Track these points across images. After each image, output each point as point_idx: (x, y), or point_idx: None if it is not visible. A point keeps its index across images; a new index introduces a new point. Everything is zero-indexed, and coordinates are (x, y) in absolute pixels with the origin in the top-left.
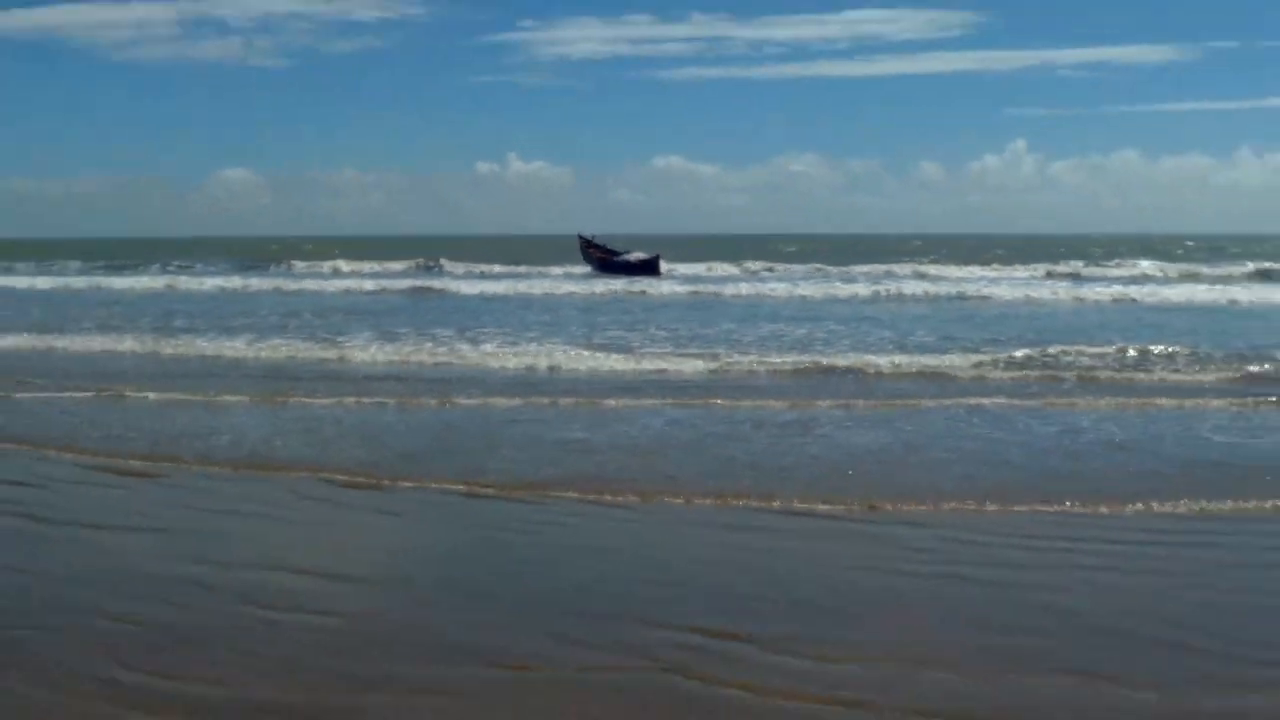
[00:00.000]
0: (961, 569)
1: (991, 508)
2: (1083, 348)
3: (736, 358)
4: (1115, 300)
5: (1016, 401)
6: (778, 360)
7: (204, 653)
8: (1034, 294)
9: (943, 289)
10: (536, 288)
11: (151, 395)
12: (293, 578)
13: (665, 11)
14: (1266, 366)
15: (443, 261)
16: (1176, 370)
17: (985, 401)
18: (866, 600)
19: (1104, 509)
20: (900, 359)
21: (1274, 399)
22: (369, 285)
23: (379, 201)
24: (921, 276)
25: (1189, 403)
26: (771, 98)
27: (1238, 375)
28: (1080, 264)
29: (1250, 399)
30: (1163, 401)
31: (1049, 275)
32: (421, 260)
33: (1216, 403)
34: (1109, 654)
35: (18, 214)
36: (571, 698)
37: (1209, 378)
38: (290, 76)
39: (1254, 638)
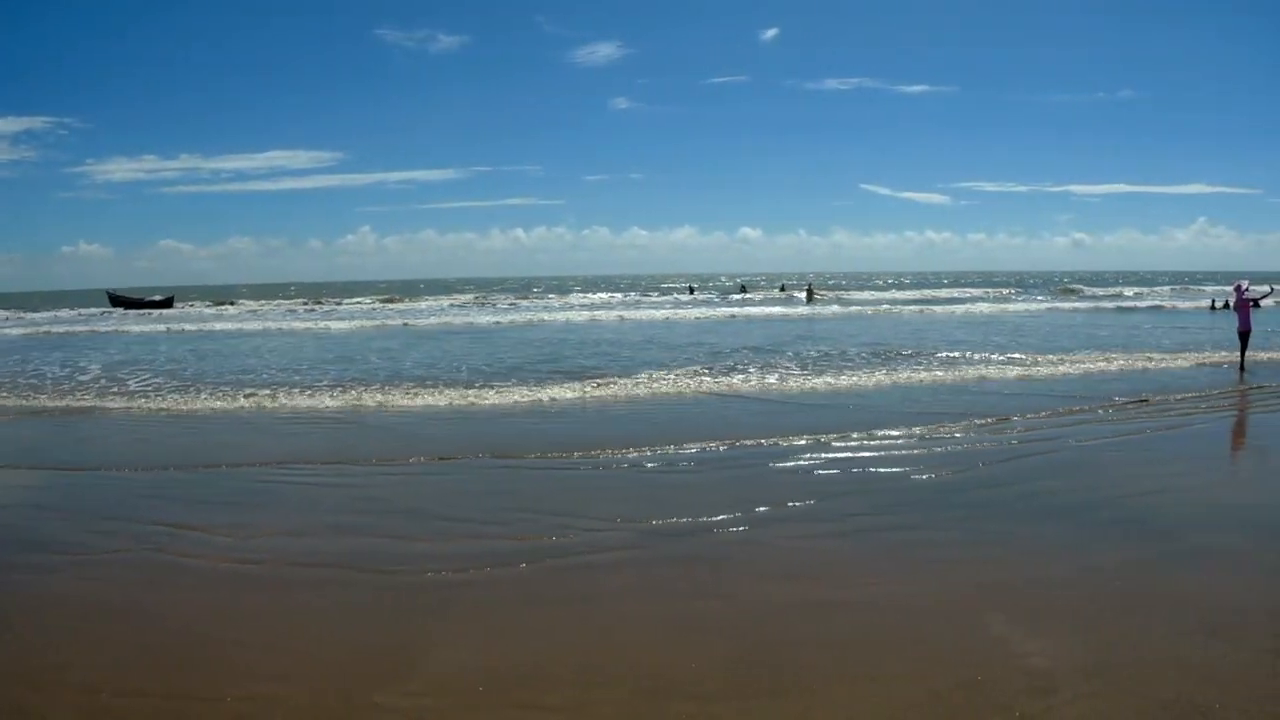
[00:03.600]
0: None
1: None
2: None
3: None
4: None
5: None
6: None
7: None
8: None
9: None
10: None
11: None
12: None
13: (165, 153)
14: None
15: None
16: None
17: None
18: (256, 499)
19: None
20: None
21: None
22: None
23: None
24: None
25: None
26: (225, 203)
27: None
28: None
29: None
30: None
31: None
32: None
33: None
34: (504, 512)
35: None
36: (102, 569)
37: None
38: None
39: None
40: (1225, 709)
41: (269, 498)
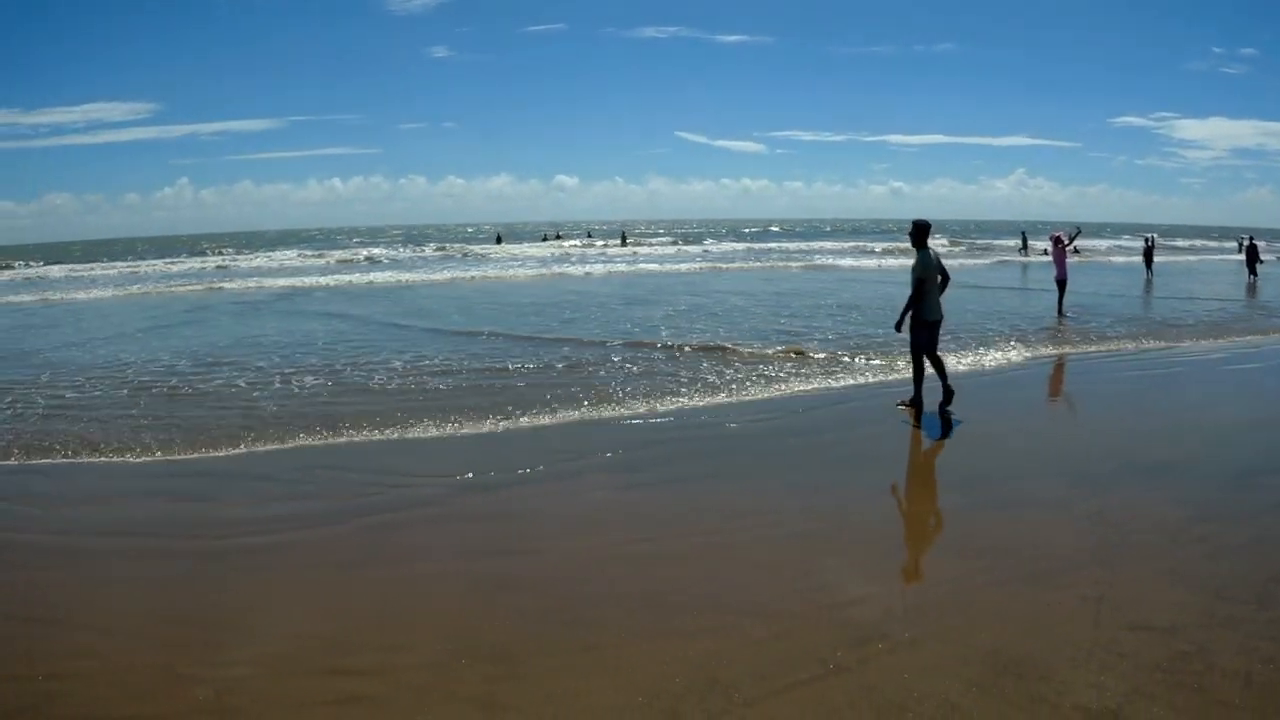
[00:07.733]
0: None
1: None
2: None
3: None
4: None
5: None
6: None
7: None
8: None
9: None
10: None
11: None
12: None
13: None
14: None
15: None
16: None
17: None
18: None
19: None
20: None
21: None
22: None
23: None
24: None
25: None
26: (44, 157)
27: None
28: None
29: None
30: None
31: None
32: None
33: None
34: (316, 471)
35: None
36: None
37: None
38: None
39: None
40: (1049, 658)
41: (79, 465)
